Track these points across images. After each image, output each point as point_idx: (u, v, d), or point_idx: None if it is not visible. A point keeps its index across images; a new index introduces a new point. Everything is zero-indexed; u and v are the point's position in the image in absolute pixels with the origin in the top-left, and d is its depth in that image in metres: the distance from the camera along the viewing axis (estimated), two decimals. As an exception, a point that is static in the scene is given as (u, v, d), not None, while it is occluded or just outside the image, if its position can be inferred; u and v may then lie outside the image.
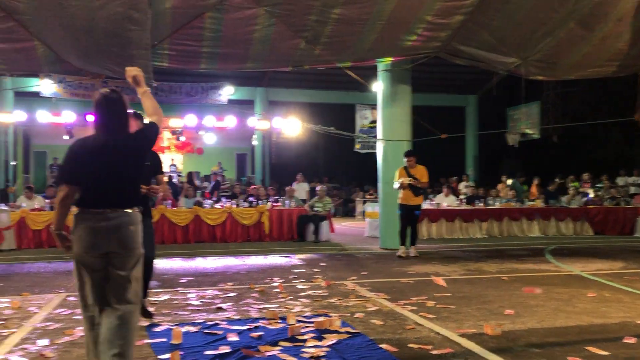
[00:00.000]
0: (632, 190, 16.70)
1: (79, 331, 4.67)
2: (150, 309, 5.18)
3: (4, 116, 14.59)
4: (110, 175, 3.34)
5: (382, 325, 4.90)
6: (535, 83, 18.76)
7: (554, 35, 8.42)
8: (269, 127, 15.68)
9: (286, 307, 5.59)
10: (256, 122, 16.06)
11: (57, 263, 8.96)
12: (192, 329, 4.73)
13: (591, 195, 15.77)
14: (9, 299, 6.04)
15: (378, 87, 11.39)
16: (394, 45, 8.98)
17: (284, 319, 5.01)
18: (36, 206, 11.57)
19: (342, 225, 16.24)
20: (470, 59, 9.65)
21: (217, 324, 4.88)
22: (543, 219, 13.83)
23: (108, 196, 3.32)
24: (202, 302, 5.91)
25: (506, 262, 8.96)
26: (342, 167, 27.20)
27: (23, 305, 5.77)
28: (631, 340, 4.41)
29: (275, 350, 4.10)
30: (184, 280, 7.34)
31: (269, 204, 12.78)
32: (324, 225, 12.32)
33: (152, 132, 3.59)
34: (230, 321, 5.01)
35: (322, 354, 4.04)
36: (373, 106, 16.49)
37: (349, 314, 5.28)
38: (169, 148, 20.98)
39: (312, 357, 3.99)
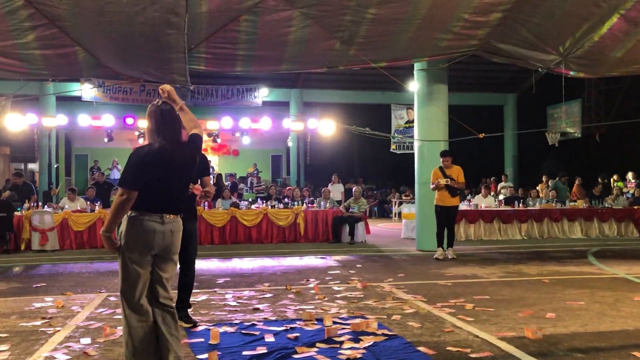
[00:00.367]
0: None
1: (120, 331, 4.75)
2: (188, 309, 5.22)
3: (47, 120, 15.02)
4: (169, 183, 3.53)
5: (420, 327, 4.84)
6: (576, 80, 18.31)
7: (596, 31, 8.18)
8: (303, 128, 15.71)
9: (322, 309, 5.58)
10: (291, 124, 16.12)
11: (98, 264, 9.17)
12: (230, 329, 4.76)
13: (636, 194, 15.27)
14: (53, 298, 6.20)
15: (414, 86, 11.29)
16: (430, 45, 8.88)
17: (320, 320, 4.99)
18: (78, 208, 11.86)
19: (377, 226, 16.16)
20: (509, 56, 9.47)
21: (254, 325, 4.91)
22: (585, 220, 13.47)
23: (165, 202, 3.51)
24: (239, 302, 5.96)
25: (547, 264, 8.76)
26: (377, 168, 27.09)
27: (66, 304, 5.92)
28: (681, 346, 4.24)
29: (311, 352, 4.09)
30: (221, 280, 7.41)
31: (304, 205, 12.81)
32: (360, 226, 12.27)
33: (198, 142, 3.79)
34: (267, 322, 5.03)
35: (359, 355, 4.01)
36: (409, 106, 16.39)
37: (385, 316, 5.23)
38: (205, 150, 21.27)
39: (348, 358, 3.96)
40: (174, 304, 3.63)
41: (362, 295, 6.28)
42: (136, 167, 3.43)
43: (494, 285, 6.90)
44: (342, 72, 17.24)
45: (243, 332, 4.66)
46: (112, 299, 6.21)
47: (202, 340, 4.42)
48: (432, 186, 9.60)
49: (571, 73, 9.59)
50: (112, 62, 8.66)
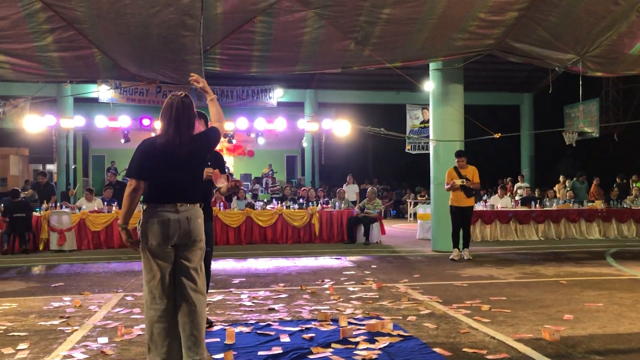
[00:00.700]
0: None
1: (137, 330, 4.80)
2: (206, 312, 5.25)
3: (65, 122, 15.18)
4: (177, 173, 3.54)
5: (435, 328, 4.81)
6: (593, 80, 18.11)
7: (614, 29, 8.09)
8: (318, 129, 15.70)
9: (337, 309, 5.57)
10: (306, 124, 16.13)
11: (115, 264, 9.26)
12: (245, 329, 4.78)
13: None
14: (71, 298, 6.27)
15: (429, 86, 11.25)
16: (446, 44, 8.84)
17: (335, 320, 4.99)
18: (95, 208, 11.98)
19: (393, 227, 16.11)
20: (525, 56, 9.40)
21: (269, 325, 4.92)
22: (603, 221, 13.31)
23: (176, 191, 3.53)
24: (254, 302, 5.97)
25: (564, 265, 8.67)
26: (392, 169, 27.01)
27: (84, 304, 5.98)
28: (702, 349, 4.17)
29: (327, 352, 4.09)
30: (236, 281, 7.43)
31: (319, 205, 12.81)
32: (375, 227, 12.25)
33: (212, 135, 3.80)
34: (282, 322, 5.04)
35: (374, 356, 4.01)
36: (424, 106, 16.30)
37: (401, 317, 5.21)
38: (221, 151, 21.37)
39: (364, 359, 3.95)
40: (201, 299, 3.53)
41: (378, 296, 6.27)
42: (140, 157, 3.53)
43: (511, 287, 6.85)
44: (356, 73, 17.22)
45: (258, 332, 4.67)
46: (129, 298, 6.27)
47: (218, 340, 4.44)
48: (447, 187, 9.55)
49: (588, 72, 9.49)
50: (128, 64, 8.74)
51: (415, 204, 18.12)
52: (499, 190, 14.41)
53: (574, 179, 15.80)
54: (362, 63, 9.34)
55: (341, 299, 6.10)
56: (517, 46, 8.98)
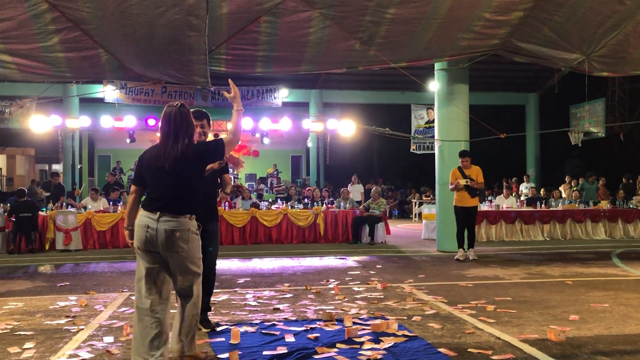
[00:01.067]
0: None
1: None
2: (211, 312, 5.25)
3: (70, 122, 15.26)
4: (162, 184, 3.74)
5: (441, 329, 4.81)
6: (599, 79, 18.03)
7: (620, 29, 8.05)
8: (323, 129, 15.73)
9: (342, 309, 5.58)
10: (311, 124, 16.16)
11: (120, 263, 9.29)
12: (250, 329, 4.78)
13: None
14: (77, 297, 6.30)
15: (434, 86, 11.23)
16: (451, 44, 8.82)
17: (340, 320, 4.99)
18: (101, 208, 12.03)
19: (398, 227, 16.10)
20: (530, 56, 9.37)
21: (274, 325, 4.92)
22: (609, 221, 13.26)
23: (160, 202, 3.71)
24: (259, 302, 5.98)
25: (570, 266, 8.64)
26: (397, 169, 27.01)
27: (90, 303, 6.00)
28: None
29: (332, 352, 4.09)
30: (241, 280, 7.45)
31: (324, 205, 12.81)
32: (380, 227, 12.24)
33: (209, 148, 3.92)
34: (287, 322, 5.04)
35: (379, 356, 4.00)
36: (429, 106, 16.31)
37: (405, 317, 5.21)
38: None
39: (368, 359, 3.95)
40: (189, 297, 3.80)
41: (382, 296, 6.27)
42: (138, 164, 3.94)
43: (516, 287, 6.84)
44: (361, 73, 17.24)
45: (263, 332, 4.68)
46: (134, 298, 6.28)
47: (223, 339, 4.45)
48: (451, 187, 9.55)
49: (594, 72, 9.45)
50: (134, 64, 8.76)
51: (420, 204, 18.10)
52: (504, 191, 14.39)
53: (584, 179, 15.64)
54: (367, 63, 9.32)
55: (346, 299, 6.10)
56: (523, 46, 8.95)
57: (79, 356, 4.10)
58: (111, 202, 12.27)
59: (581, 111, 19.19)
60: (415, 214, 18.55)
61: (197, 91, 17.08)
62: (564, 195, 15.76)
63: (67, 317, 5.33)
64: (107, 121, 15.53)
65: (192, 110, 4.56)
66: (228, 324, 4.98)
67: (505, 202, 13.51)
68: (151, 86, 15.54)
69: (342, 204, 12.85)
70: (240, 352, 4.08)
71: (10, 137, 20.11)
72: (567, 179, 17.37)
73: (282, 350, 4.15)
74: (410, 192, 21.55)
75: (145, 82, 10.11)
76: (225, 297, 6.28)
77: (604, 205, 13.72)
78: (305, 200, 13.37)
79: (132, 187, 3.91)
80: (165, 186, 3.72)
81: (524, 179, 18.34)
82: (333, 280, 7.39)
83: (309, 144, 21.54)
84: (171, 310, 3.87)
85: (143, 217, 3.70)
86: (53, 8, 7.09)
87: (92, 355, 4.12)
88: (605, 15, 7.88)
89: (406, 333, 4.60)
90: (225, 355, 4.01)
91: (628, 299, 6.03)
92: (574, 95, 17.76)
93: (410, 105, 17.89)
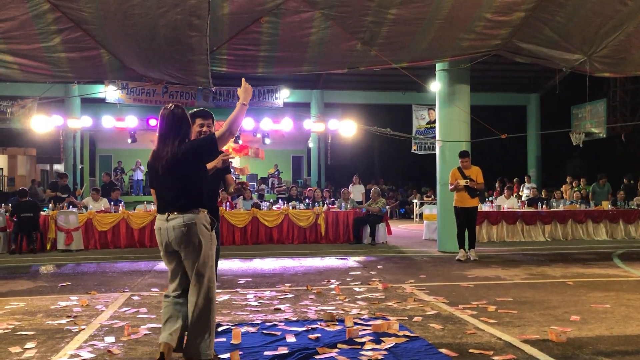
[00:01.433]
0: None
1: (144, 329, 4.83)
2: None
3: (72, 122, 15.24)
4: (162, 184, 3.89)
5: (442, 329, 4.81)
6: (600, 80, 18.02)
7: (622, 29, 8.05)
8: (324, 129, 15.70)
9: (343, 310, 5.58)
10: (312, 125, 16.14)
11: (122, 263, 9.29)
12: (251, 329, 4.79)
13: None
14: (78, 297, 6.30)
15: (436, 87, 11.23)
16: (452, 45, 8.82)
17: (341, 321, 4.99)
18: (102, 208, 12.03)
19: (399, 227, 16.09)
20: (532, 56, 9.37)
21: (275, 325, 4.93)
22: (610, 222, 13.25)
23: (165, 202, 3.88)
24: (260, 302, 5.98)
25: (571, 267, 8.64)
26: (398, 169, 27.02)
27: (91, 303, 6.01)
28: None
29: (333, 353, 4.09)
30: (242, 281, 7.45)
31: (325, 206, 12.82)
32: (381, 227, 12.24)
33: (200, 143, 3.96)
34: (288, 322, 5.04)
35: (380, 357, 4.01)
36: (430, 106, 16.30)
37: (407, 318, 5.21)
38: (227, 151, 21.44)
39: (370, 359, 3.96)
40: (205, 297, 3.86)
41: (384, 297, 6.27)
42: (147, 168, 4.13)
43: (517, 287, 6.83)
44: (363, 73, 17.23)
45: (264, 332, 4.68)
46: (135, 298, 6.29)
47: (224, 340, 4.45)
48: (450, 187, 9.55)
49: (596, 72, 9.45)
50: (135, 65, 8.77)
51: (421, 204, 18.09)
52: (505, 191, 14.37)
53: (595, 183, 15.38)
54: (369, 63, 9.33)
55: (347, 300, 6.10)
56: (524, 46, 8.95)
57: (80, 356, 4.10)
58: (112, 202, 12.28)
59: (582, 112, 19.17)
60: (416, 215, 18.55)
61: (199, 91, 17.09)
62: (565, 195, 15.74)
63: (69, 317, 5.34)
64: (108, 121, 15.53)
65: (197, 110, 4.61)
66: (229, 324, 4.98)
67: (506, 203, 13.51)
68: (152, 86, 15.55)
69: (343, 204, 12.85)
70: (241, 353, 4.08)
71: (12, 137, 20.14)
72: (568, 179, 17.35)
73: (283, 350, 4.15)
74: (411, 192, 21.55)
75: (146, 82, 10.12)
76: (226, 297, 6.29)
77: (605, 206, 13.71)
78: (307, 200, 13.37)
79: (151, 190, 4.22)
80: (166, 187, 3.86)
81: (525, 180, 18.34)
82: (334, 280, 7.39)
83: (310, 144, 21.55)
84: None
85: (157, 221, 3.93)
86: (55, 8, 7.10)
87: (93, 355, 4.12)
88: (606, 16, 7.88)
89: (407, 333, 4.60)
90: (227, 355, 4.01)
91: (629, 300, 6.03)
92: (576, 96, 17.73)
93: (412, 106, 17.87)
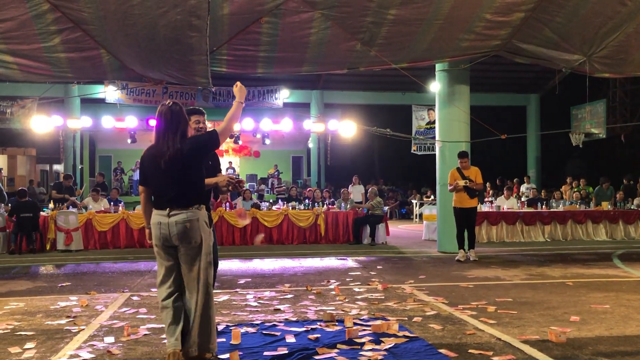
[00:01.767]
0: None
1: (144, 330, 4.83)
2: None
3: (72, 122, 15.25)
4: (164, 181, 3.85)
5: (441, 329, 4.81)
6: (600, 81, 18.03)
7: (621, 30, 8.05)
8: (324, 130, 15.72)
9: (343, 310, 5.58)
10: (312, 125, 16.15)
11: (121, 263, 9.29)
12: (251, 329, 4.79)
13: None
14: (78, 297, 6.30)
15: (435, 87, 11.23)
16: (452, 45, 8.83)
17: (341, 321, 4.99)
18: (102, 208, 12.03)
19: (398, 228, 16.10)
20: (532, 57, 9.38)
21: (275, 325, 4.93)
22: (610, 222, 13.26)
23: (167, 198, 3.84)
24: (260, 303, 5.98)
25: (571, 267, 8.64)
26: (398, 169, 27.01)
27: (90, 303, 6.01)
28: None
29: (332, 353, 4.09)
30: (242, 281, 7.45)
31: (325, 206, 12.82)
32: (380, 227, 12.24)
33: (202, 139, 4.03)
34: (288, 322, 5.04)
35: (380, 357, 4.01)
36: (430, 107, 16.31)
37: (406, 318, 5.21)
38: (227, 151, 21.44)
39: (369, 360, 3.96)
40: (204, 295, 3.85)
41: (383, 297, 6.27)
42: (140, 165, 4.05)
43: (517, 288, 6.83)
44: (362, 74, 17.23)
45: (264, 332, 4.68)
46: (135, 298, 6.29)
47: (224, 340, 4.45)
48: (449, 187, 9.55)
49: (595, 73, 9.45)
50: (135, 65, 8.77)
51: (421, 204, 18.09)
52: (504, 191, 14.37)
53: (598, 186, 15.24)
54: (368, 64, 9.33)
55: (347, 300, 6.10)
56: (524, 47, 8.95)
57: (80, 356, 4.10)
58: (112, 203, 12.28)
59: (582, 112, 19.18)
60: (416, 215, 18.55)
61: (198, 91, 17.10)
62: (565, 196, 15.74)
63: (68, 317, 5.34)
64: (108, 121, 15.54)
65: (191, 107, 4.63)
66: (229, 324, 4.98)
67: (506, 203, 13.51)
68: (152, 86, 15.54)
69: (342, 204, 12.85)
70: (240, 353, 4.08)
71: (12, 138, 20.13)
72: (568, 180, 17.35)
73: (282, 350, 4.15)
74: (411, 192, 21.55)
75: (146, 82, 10.12)
76: (225, 297, 6.29)
77: (605, 206, 13.71)
78: (306, 200, 13.37)
79: (140, 188, 4.02)
80: (167, 183, 3.83)
81: (525, 180, 18.34)
82: (334, 280, 7.39)
83: (310, 145, 21.54)
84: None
85: (156, 215, 3.87)
86: (54, 8, 7.11)
87: (92, 356, 4.12)
88: (606, 16, 7.89)
89: (407, 334, 4.60)
90: (226, 355, 4.01)
91: (629, 300, 6.03)
92: (575, 96, 17.74)
93: (411, 106, 17.89)
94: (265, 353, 4.10)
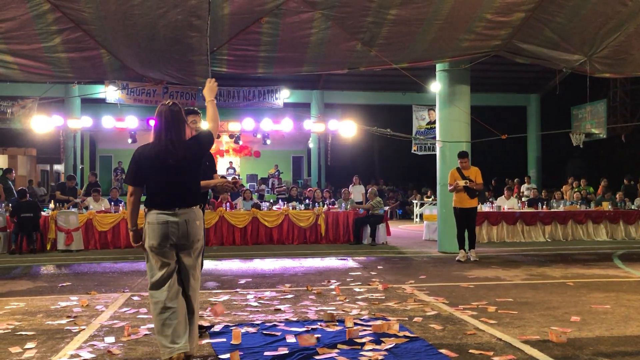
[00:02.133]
0: None
1: (144, 330, 4.82)
2: (209, 310, 5.24)
3: (72, 122, 15.24)
4: (172, 179, 3.84)
5: (442, 330, 4.81)
6: (601, 81, 18.01)
7: (622, 30, 8.05)
8: (324, 130, 15.71)
9: (343, 310, 5.58)
10: (312, 125, 16.14)
11: (122, 263, 9.29)
12: (251, 329, 4.78)
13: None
14: (78, 297, 6.30)
15: (436, 87, 11.22)
16: (452, 45, 8.82)
17: (341, 321, 4.99)
18: (102, 208, 12.03)
19: (399, 228, 16.09)
20: (532, 57, 9.37)
21: (275, 325, 4.92)
22: (611, 223, 13.25)
23: (173, 197, 3.84)
24: (260, 303, 5.98)
25: (571, 267, 8.63)
26: (398, 169, 27.00)
27: (91, 303, 6.01)
28: None
29: (333, 353, 4.09)
30: (242, 281, 7.45)
31: (325, 206, 12.81)
32: (381, 228, 12.23)
33: (204, 139, 4.09)
34: (288, 322, 5.04)
35: (380, 357, 4.00)
36: (430, 107, 16.30)
37: (407, 318, 5.21)
38: (227, 151, 21.44)
39: (370, 360, 3.96)
40: (195, 296, 3.93)
41: (384, 297, 6.27)
42: (134, 164, 3.89)
43: (517, 288, 6.83)
44: (363, 74, 17.23)
45: (264, 332, 4.68)
46: (135, 298, 6.29)
47: (224, 340, 4.45)
48: (450, 188, 9.55)
49: (596, 73, 9.45)
50: (135, 65, 8.77)
51: (422, 204, 18.09)
52: (505, 192, 14.37)
53: (600, 196, 15.06)
54: (369, 64, 9.33)
55: (347, 300, 6.10)
56: (524, 47, 8.95)
57: (80, 356, 4.10)
58: (112, 203, 12.28)
59: (583, 112, 19.16)
60: (417, 215, 18.55)
61: (199, 91, 17.07)
62: (565, 196, 15.74)
63: (69, 317, 5.34)
64: (108, 121, 15.52)
65: (187, 108, 4.66)
66: (229, 324, 4.98)
67: (506, 203, 13.50)
68: (153, 86, 15.54)
69: (343, 204, 12.85)
70: (241, 353, 4.08)
71: (12, 138, 20.13)
72: (569, 180, 17.34)
73: (283, 350, 4.15)
74: (411, 192, 21.55)
75: (146, 82, 10.12)
76: (226, 297, 6.29)
77: (606, 206, 13.70)
78: (307, 200, 13.37)
79: (130, 188, 3.90)
80: (174, 182, 3.84)
81: (525, 180, 18.33)
82: (334, 281, 7.39)
83: (310, 145, 21.53)
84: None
85: (160, 215, 3.79)
86: (55, 8, 7.11)
87: (93, 356, 4.12)
88: (607, 16, 7.88)
89: (407, 334, 4.60)
90: (227, 355, 4.01)
91: (629, 301, 6.03)
92: (576, 97, 17.73)
93: (412, 106, 17.87)
94: (266, 353, 4.10)
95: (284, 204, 13.06)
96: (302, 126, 16.27)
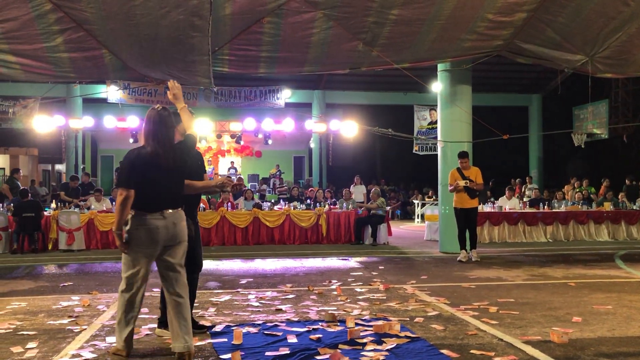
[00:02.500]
0: None
1: (145, 330, 4.83)
2: (212, 309, 5.25)
3: (73, 122, 15.27)
4: (163, 182, 3.94)
5: (443, 330, 4.80)
6: (602, 81, 18.00)
7: (624, 30, 8.04)
8: (326, 130, 15.72)
9: (345, 310, 5.57)
10: (313, 125, 16.15)
11: (123, 263, 9.28)
12: (252, 329, 4.79)
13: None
14: (80, 297, 6.31)
15: (437, 87, 11.22)
16: (454, 45, 8.82)
17: (342, 321, 4.99)
18: (104, 208, 12.04)
19: (400, 228, 16.09)
20: (534, 57, 9.37)
21: (276, 325, 4.92)
22: (612, 223, 13.23)
23: (162, 199, 3.94)
24: (261, 303, 5.98)
25: (573, 268, 8.62)
26: (400, 169, 26.98)
27: (92, 303, 6.01)
28: None
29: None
30: (243, 281, 7.45)
31: (327, 206, 12.81)
32: (382, 228, 12.23)
33: (190, 143, 4.28)
34: (290, 323, 5.04)
35: (382, 357, 4.00)
36: (432, 107, 16.30)
37: (408, 318, 5.21)
38: (229, 151, 21.44)
39: (371, 361, 3.95)
40: (185, 291, 4.02)
41: (385, 297, 6.26)
42: (128, 168, 3.90)
43: (519, 288, 6.82)
44: (364, 74, 17.23)
45: (266, 332, 4.68)
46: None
47: (226, 340, 4.46)
48: (450, 188, 9.55)
49: (598, 73, 9.44)
50: (137, 65, 8.78)
51: (423, 205, 18.08)
52: (506, 192, 14.35)
53: (602, 197, 15.03)
54: (370, 64, 9.33)
55: (348, 300, 6.10)
56: (526, 47, 8.94)
57: (82, 356, 4.10)
58: (114, 202, 12.28)
59: (584, 112, 19.16)
60: (418, 215, 18.54)
61: (200, 91, 17.08)
62: (567, 197, 15.72)
63: (70, 317, 5.34)
64: (110, 121, 15.54)
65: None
66: (230, 324, 4.98)
67: (508, 204, 13.49)
68: (154, 86, 15.54)
69: (344, 204, 12.85)
70: (242, 353, 4.08)
71: (14, 137, 20.15)
72: (572, 180, 17.32)
73: (284, 351, 4.15)
74: (412, 193, 21.54)
75: (148, 82, 10.13)
76: (227, 297, 6.29)
77: (607, 206, 13.69)
78: (308, 200, 13.37)
79: (125, 191, 3.80)
80: (164, 185, 3.94)
81: (527, 181, 18.31)
82: (335, 281, 7.38)
83: (312, 145, 21.53)
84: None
85: (151, 219, 3.87)
86: (57, 8, 7.11)
87: (94, 356, 4.12)
88: (609, 17, 7.87)
89: (408, 334, 4.59)
90: (228, 355, 4.02)
91: (631, 301, 6.02)
92: (577, 97, 17.73)
93: (413, 106, 17.87)
94: (267, 353, 4.10)
95: (285, 204, 13.06)
96: (303, 126, 16.27)
